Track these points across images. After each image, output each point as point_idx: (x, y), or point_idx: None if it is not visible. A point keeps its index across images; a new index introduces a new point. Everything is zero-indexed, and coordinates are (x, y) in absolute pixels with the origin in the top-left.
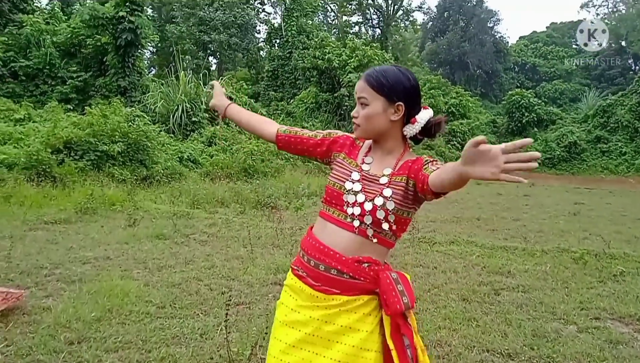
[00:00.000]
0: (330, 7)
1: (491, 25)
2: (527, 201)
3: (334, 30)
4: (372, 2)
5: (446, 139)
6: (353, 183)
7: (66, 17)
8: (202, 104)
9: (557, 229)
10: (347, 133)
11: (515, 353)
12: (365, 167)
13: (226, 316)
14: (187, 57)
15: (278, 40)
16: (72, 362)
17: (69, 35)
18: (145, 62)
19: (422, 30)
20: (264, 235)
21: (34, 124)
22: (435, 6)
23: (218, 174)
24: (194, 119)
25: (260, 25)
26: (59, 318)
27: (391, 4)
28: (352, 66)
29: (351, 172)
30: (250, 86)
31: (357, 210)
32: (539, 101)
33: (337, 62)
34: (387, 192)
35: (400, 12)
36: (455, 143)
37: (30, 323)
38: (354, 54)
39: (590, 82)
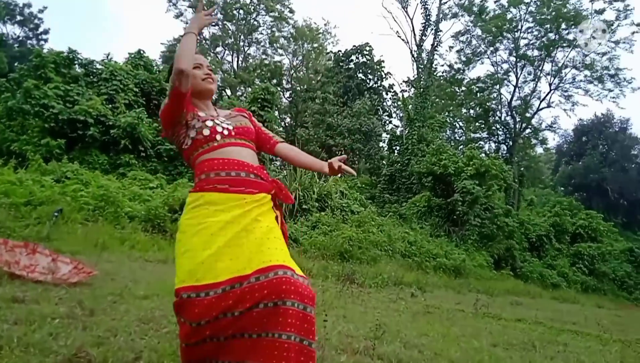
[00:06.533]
0: (458, 123)
1: (635, 152)
2: None
3: (461, 146)
4: (499, 120)
5: (571, 261)
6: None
7: None
8: (314, 194)
9: None
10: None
11: None
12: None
13: None
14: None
15: (398, 148)
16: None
17: None
18: None
19: (556, 152)
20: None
21: (162, 190)
22: (572, 130)
23: (314, 254)
24: (304, 206)
25: (384, 134)
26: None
27: (519, 121)
28: (469, 174)
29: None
30: (369, 189)
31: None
32: None
33: (453, 168)
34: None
35: (528, 130)
36: (582, 266)
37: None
38: (471, 162)
39: None
